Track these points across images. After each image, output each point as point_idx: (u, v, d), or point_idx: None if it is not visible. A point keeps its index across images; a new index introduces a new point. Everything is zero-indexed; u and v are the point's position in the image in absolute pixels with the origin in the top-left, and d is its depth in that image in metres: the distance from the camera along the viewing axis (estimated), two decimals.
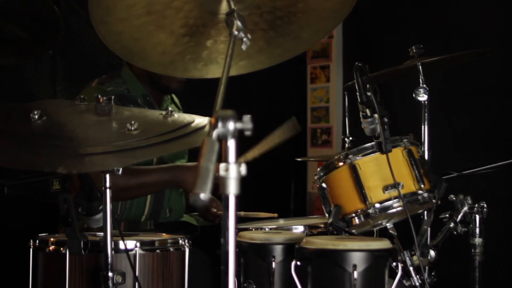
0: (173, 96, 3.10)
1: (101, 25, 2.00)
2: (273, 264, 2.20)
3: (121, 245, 2.05)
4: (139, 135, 1.78)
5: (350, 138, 2.99)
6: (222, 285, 1.35)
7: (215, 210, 2.94)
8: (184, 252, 2.18)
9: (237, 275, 2.26)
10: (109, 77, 2.91)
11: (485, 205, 2.56)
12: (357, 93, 2.35)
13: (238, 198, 1.33)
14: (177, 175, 2.74)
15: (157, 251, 2.13)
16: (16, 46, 2.30)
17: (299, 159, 4.55)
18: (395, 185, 2.26)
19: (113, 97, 1.94)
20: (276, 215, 2.87)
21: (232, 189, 1.32)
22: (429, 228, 2.57)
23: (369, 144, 2.32)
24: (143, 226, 2.85)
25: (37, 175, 2.32)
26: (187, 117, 1.93)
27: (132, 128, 1.80)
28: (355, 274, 2.01)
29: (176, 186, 2.86)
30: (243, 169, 1.32)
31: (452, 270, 3.66)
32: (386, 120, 2.29)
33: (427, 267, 2.51)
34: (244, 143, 1.40)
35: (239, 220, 1.36)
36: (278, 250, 2.22)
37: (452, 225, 2.56)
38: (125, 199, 2.79)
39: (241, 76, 2.18)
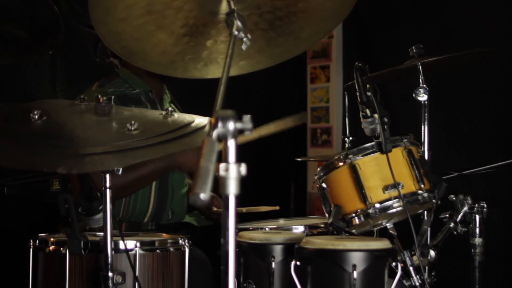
0: (173, 99, 3.11)
1: (101, 25, 2.00)
2: (273, 264, 2.20)
3: (121, 245, 2.05)
4: (139, 135, 1.78)
5: (350, 138, 2.98)
6: (222, 285, 1.35)
7: (215, 209, 2.95)
8: (184, 252, 2.18)
9: (237, 275, 2.26)
10: (109, 79, 2.91)
11: (485, 205, 2.56)
12: (357, 93, 2.35)
13: (238, 198, 1.33)
14: (173, 159, 2.74)
15: (157, 251, 2.13)
16: (16, 46, 2.29)
17: (299, 159, 4.55)
18: (395, 185, 2.26)
19: (113, 97, 1.94)
20: (277, 207, 2.88)
21: (232, 189, 1.32)
22: (429, 228, 2.57)
23: (369, 144, 2.32)
24: (145, 227, 2.85)
25: (37, 175, 2.32)
26: (187, 117, 1.92)
27: (132, 128, 1.80)
28: (355, 274, 2.01)
29: (172, 170, 2.85)
30: (243, 169, 1.32)
31: (452, 270, 3.66)
32: (386, 120, 2.29)
33: (427, 267, 2.51)
34: (244, 144, 1.40)
35: (240, 219, 1.36)
36: (278, 250, 2.22)
37: (452, 225, 2.56)
38: (126, 195, 2.79)
39: (241, 76, 2.18)
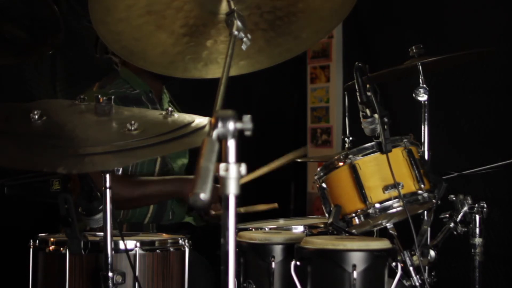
0: (171, 99, 3.11)
1: (101, 25, 2.00)
2: (273, 264, 2.20)
3: (121, 245, 2.05)
4: (139, 135, 1.78)
5: (350, 138, 2.98)
6: (222, 285, 1.35)
7: (213, 212, 2.95)
8: (184, 252, 2.18)
9: (237, 275, 2.26)
10: (109, 79, 2.91)
11: (485, 205, 2.56)
12: (357, 93, 2.35)
13: (238, 198, 1.33)
14: (180, 187, 2.78)
15: (157, 251, 2.13)
16: (16, 46, 2.29)
17: (299, 159, 4.55)
18: (395, 185, 2.26)
19: (113, 97, 1.94)
20: (276, 204, 2.88)
21: (232, 189, 1.32)
22: (429, 228, 2.57)
23: (369, 144, 2.32)
24: (145, 228, 2.85)
25: (37, 175, 2.31)
26: (187, 117, 1.93)
27: (132, 128, 1.80)
28: (355, 274, 2.01)
29: (178, 198, 2.88)
30: (243, 169, 1.32)
31: (452, 270, 3.65)
32: (386, 120, 2.29)
33: (427, 267, 2.51)
34: (244, 144, 1.40)
35: (239, 219, 1.36)
36: (278, 250, 2.22)
37: (452, 225, 2.56)
38: (128, 208, 2.83)
39: (241, 76, 2.18)
